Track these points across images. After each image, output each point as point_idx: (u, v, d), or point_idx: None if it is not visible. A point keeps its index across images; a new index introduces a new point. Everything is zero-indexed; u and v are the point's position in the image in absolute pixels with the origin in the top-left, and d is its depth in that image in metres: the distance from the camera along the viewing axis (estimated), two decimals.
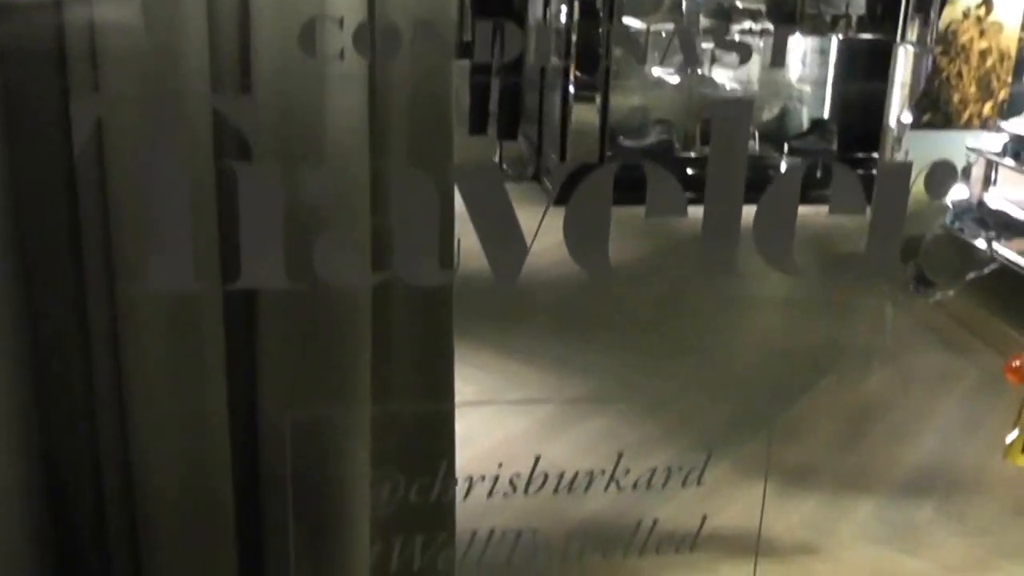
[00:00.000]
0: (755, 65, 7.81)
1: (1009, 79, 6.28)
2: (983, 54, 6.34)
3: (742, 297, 5.60)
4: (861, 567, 3.31)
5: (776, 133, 7.54)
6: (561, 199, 1.91)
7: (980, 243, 5.49)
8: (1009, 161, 5.44)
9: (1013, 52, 6.36)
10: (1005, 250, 5.37)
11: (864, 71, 7.34)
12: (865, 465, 3.92)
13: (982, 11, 6.31)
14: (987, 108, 6.37)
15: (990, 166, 5.92)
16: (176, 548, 2.53)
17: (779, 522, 3.51)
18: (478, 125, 7.33)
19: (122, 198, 2.11)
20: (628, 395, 4.32)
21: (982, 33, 6.36)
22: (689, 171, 6.98)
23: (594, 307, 5.31)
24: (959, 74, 6.32)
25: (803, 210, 2.01)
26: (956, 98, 6.30)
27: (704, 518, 2.95)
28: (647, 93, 7.53)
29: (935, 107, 6.29)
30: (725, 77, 7.77)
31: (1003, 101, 6.28)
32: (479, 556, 2.81)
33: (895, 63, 6.71)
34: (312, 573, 2.61)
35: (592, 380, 4.41)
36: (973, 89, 6.37)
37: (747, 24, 7.18)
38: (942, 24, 6.35)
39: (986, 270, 5.39)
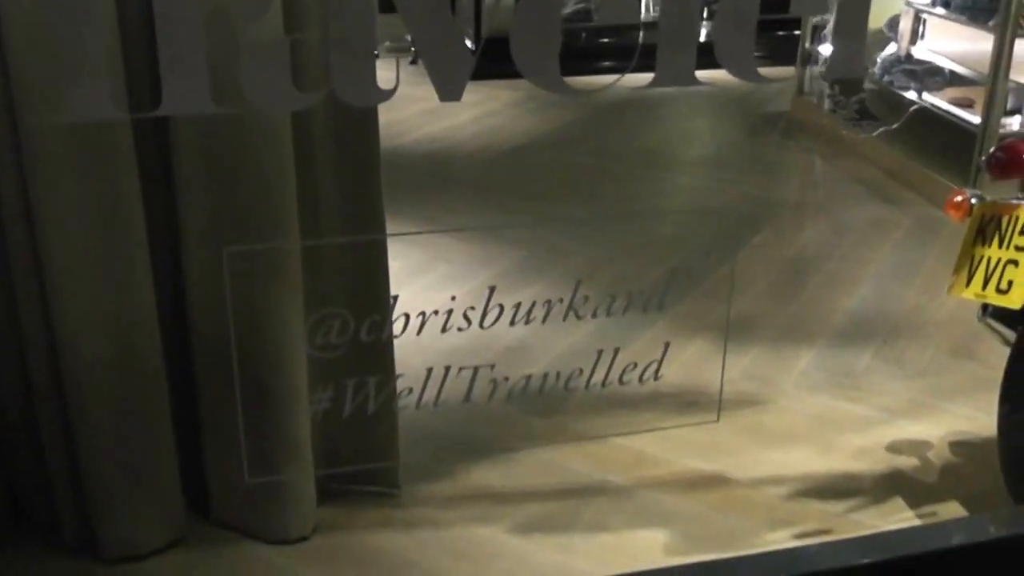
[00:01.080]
0: None
1: None
2: None
3: (674, 160, 5.53)
4: (804, 415, 3.29)
5: None
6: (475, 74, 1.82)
7: (909, 95, 5.44)
8: (939, 10, 5.35)
9: None
10: (933, 99, 5.32)
11: None
12: (804, 316, 3.90)
13: None
14: None
15: (918, 19, 5.84)
16: (106, 409, 2.42)
17: (720, 376, 3.47)
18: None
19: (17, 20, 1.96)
20: (560, 261, 4.23)
21: None
22: (605, 40, 6.87)
23: (522, 176, 5.21)
24: None
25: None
26: None
27: (667, 345, 2.94)
28: None
29: None
30: None
31: None
32: (434, 397, 2.77)
33: None
34: (254, 420, 2.52)
35: (521, 250, 4.31)
36: None
37: None
38: None
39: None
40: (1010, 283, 2.49)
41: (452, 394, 2.80)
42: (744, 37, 1.83)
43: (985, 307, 2.70)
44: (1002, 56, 4.61)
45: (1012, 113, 4.96)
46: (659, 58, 1.92)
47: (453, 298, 2.80)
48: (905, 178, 5.13)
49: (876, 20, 5.70)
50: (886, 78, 5.59)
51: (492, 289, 2.75)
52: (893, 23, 5.76)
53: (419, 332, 2.73)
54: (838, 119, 5.46)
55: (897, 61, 5.69)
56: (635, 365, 2.93)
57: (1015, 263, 2.48)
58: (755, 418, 3.26)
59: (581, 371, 2.97)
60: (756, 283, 4.13)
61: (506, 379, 3.00)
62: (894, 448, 3.14)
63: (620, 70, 2.00)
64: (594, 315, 2.85)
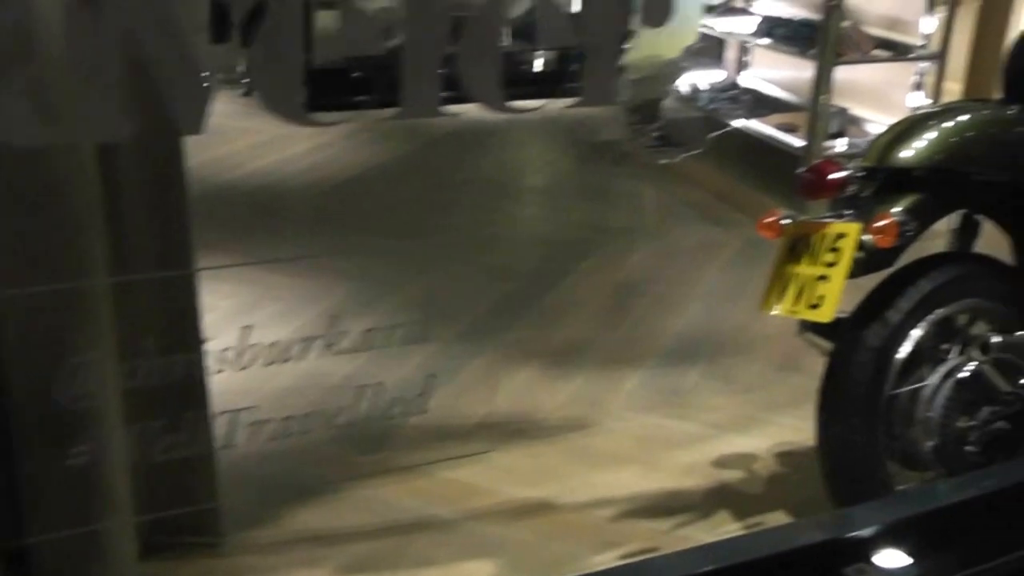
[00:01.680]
0: None
1: None
2: None
3: (508, 189, 5.52)
4: (632, 436, 3.27)
5: (528, 28, 7.41)
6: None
7: (736, 123, 5.53)
8: (764, 41, 5.45)
9: None
10: (761, 125, 5.42)
11: None
12: (633, 338, 3.89)
13: None
14: None
15: (744, 49, 5.97)
16: None
17: (549, 402, 3.44)
18: (219, 34, 6.95)
19: None
20: (391, 294, 4.15)
21: None
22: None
23: (356, 208, 5.14)
24: None
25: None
26: None
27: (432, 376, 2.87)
28: None
29: None
30: None
31: None
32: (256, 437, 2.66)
33: None
34: (64, 469, 2.38)
35: (352, 283, 4.22)
36: None
37: None
38: None
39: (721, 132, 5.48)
40: (821, 298, 2.50)
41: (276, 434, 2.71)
42: (488, 67, 1.83)
43: (804, 322, 2.72)
44: (821, 83, 4.71)
45: (836, 136, 5.08)
46: (405, 90, 1.92)
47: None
48: (735, 201, 5.20)
49: (671, 50, 5.79)
50: (712, 105, 5.69)
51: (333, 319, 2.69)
52: (688, 53, 5.83)
53: (241, 369, 2.63)
54: (639, 147, 5.51)
55: (724, 89, 5.81)
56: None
57: (825, 279, 2.50)
58: (582, 442, 3.23)
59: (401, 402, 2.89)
60: (586, 308, 4.12)
61: (333, 415, 2.93)
62: (721, 463, 3.14)
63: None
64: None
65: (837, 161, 2.62)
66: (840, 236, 2.50)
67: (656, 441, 3.23)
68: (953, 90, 5.18)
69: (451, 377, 3.56)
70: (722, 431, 3.30)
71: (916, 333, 2.61)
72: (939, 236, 2.89)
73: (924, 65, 4.98)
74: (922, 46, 4.97)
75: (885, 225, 2.43)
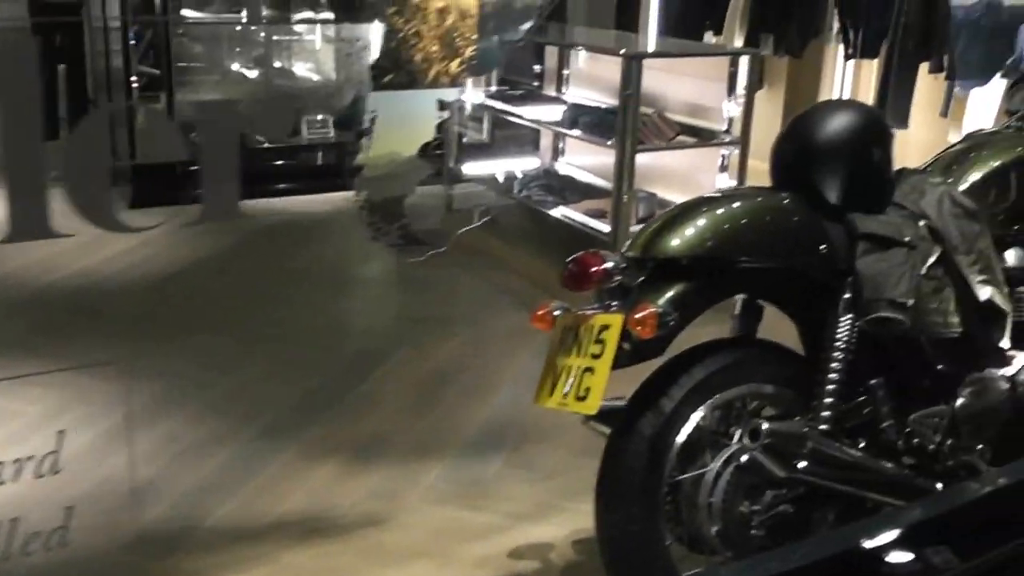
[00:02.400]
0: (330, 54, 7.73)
1: (475, 36, 6.39)
2: (441, 12, 6.41)
3: (326, 280, 5.48)
4: (427, 529, 3.24)
5: (350, 120, 7.48)
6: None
7: (552, 210, 5.61)
8: (569, 129, 5.57)
9: (474, 10, 6.47)
10: (571, 211, 5.51)
11: None
12: (437, 429, 3.88)
13: None
14: (454, 66, 6.47)
15: (558, 137, 6.09)
16: None
17: (347, 498, 3.40)
18: (49, 131, 6.83)
19: None
20: (200, 393, 4.07)
21: None
22: (269, 162, 6.85)
23: (171, 305, 5.04)
24: (417, 33, 6.35)
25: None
26: (419, 57, 6.36)
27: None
28: (221, 87, 7.25)
29: (397, 66, 6.30)
30: (304, 68, 7.65)
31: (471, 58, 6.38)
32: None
33: None
34: None
35: (160, 383, 4.13)
36: (436, 48, 6.44)
37: (307, 14, 7.08)
38: None
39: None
40: (587, 390, 2.53)
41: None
42: (98, 189, 1.84)
43: None
44: (623, 169, 4.84)
45: (645, 220, 5.19)
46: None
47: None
48: (549, 287, 5.24)
49: (409, 148, 5.89)
50: (524, 193, 5.78)
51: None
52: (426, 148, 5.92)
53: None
54: (384, 245, 5.50)
55: (536, 177, 5.90)
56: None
57: (591, 370, 2.54)
58: (377, 538, 3.18)
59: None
60: (393, 400, 4.09)
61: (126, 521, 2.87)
62: (516, 553, 3.14)
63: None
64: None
65: (601, 253, 2.65)
66: (604, 327, 2.53)
67: (452, 534, 3.21)
68: (761, 169, 5.35)
69: (251, 477, 3.50)
70: (520, 521, 3.29)
71: (696, 418, 2.65)
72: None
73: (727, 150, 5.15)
74: (725, 131, 5.15)
75: (644, 316, 2.47)
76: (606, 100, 5.62)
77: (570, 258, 2.70)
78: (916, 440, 2.91)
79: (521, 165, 6.13)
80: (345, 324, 4.88)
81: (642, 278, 2.64)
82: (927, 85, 5.98)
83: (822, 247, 2.73)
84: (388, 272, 5.76)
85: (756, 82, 5.00)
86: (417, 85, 6.06)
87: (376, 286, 5.59)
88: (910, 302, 2.69)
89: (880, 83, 5.65)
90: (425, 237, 5.48)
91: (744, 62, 5.04)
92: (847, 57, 5.90)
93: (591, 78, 5.88)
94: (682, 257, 2.63)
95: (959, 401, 2.94)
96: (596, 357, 2.54)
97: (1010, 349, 2.98)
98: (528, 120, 5.75)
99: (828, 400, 2.72)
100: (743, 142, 4.98)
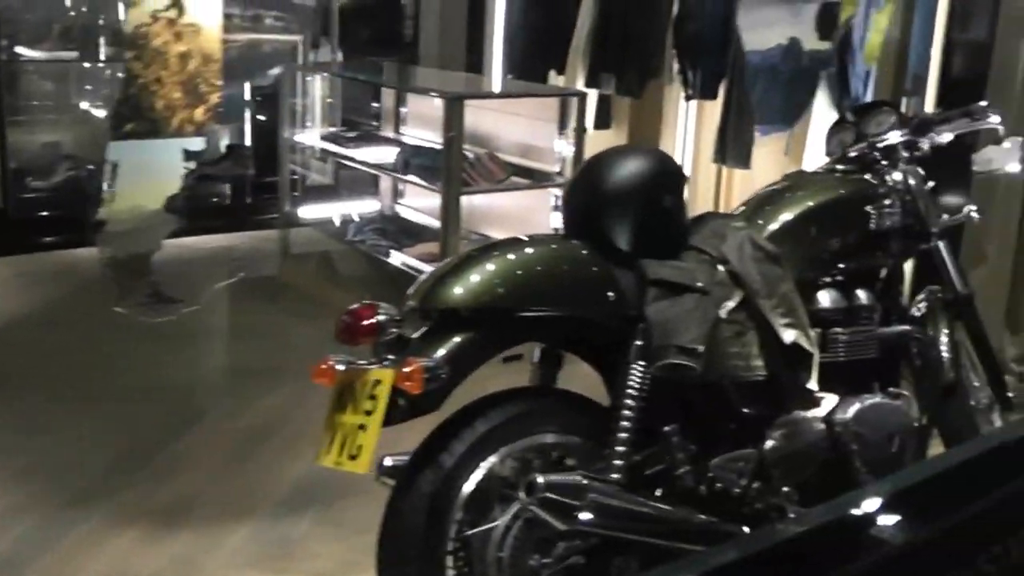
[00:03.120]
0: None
1: (219, 82, 6.33)
2: (183, 57, 6.34)
3: (149, 331, 5.31)
4: None
5: (194, 158, 7.32)
6: None
7: (388, 255, 5.53)
8: (400, 171, 5.49)
9: (218, 54, 6.40)
10: (404, 256, 5.43)
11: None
12: (250, 487, 3.76)
13: (173, 13, 6.28)
14: (199, 113, 6.42)
15: (396, 179, 6.01)
16: None
17: (147, 566, 3.26)
18: None
19: None
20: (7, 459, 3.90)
21: (178, 36, 6.33)
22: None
23: None
24: (158, 80, 6.26)
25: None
26: (161, 104, 6.27)
27: None
28: (58, 128, 7.02)
29: (138, 114, 6.20)
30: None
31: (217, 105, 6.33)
32: None
33: None
34: None
35: None
36: (179, 95, 6.36)
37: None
38: (129, 27, 6.20)
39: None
40: (359, 448, 2.46)
41: None
42: None
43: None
44: (448, 212, 4.77)
45: None
46: None
47: None
48: None
49: (154, 201, 5.83)
50: (358, 238, 5.68)
51: None
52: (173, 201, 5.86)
53: None
54: (128, 306, 5.37)
55: (371, 220, 5.82)
56: None
57: (364, 427, 2.46)
58: None
59: None
60: (207, 458, 3.96)
61: None
62: None
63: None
64: None
65: (375, 305, 2.58)
66: (377, 383, 2.46)
67: None
68: None
69: (50, 548, 3.34)
70: None
71: (481, 472, 2.59)
72: None
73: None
74: (558, 172, 5.12)
75: (411, 371, 2.40)
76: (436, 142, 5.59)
77: (348, 309, 2.62)
78: (719, 485, 2.88)
79: (360, 208, 6.05)
80: (170, 377, 4.71)
81: (424, 329, 2.58)
82: None
83: (610, 294, 2.69)
84: (224, 320, 5.62)
85: (583, 123, 4.96)
86: (160, 134, 5.96)
87: (209, 337, 5.43)
88: (700, 348, 2.66)
89: (720, 123, 5.67)
90: (177, 294, 5.36)
91: (574, 103, 5.02)
92: (687, 98, 5.92)
93: (427, 119, 5.83)
94: (463, 307, 2.57)
95: (768, 444, 2.91)
96: (368, 414, 2.47)
97: (818, 391, 2.97)
98: (358, 163, 5.65)
99: (620, 448, 2.67)
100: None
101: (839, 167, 3.38)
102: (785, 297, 2.88)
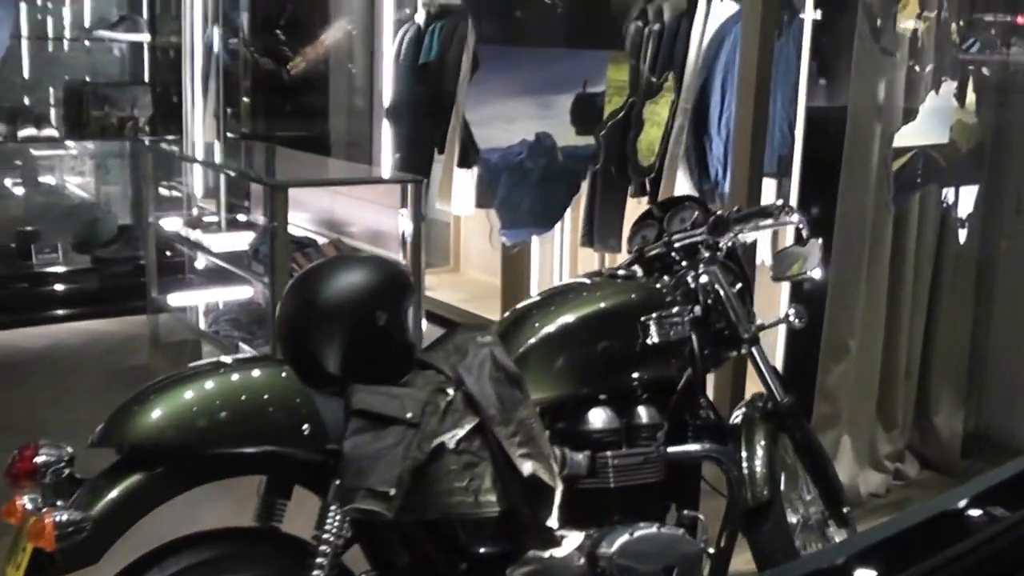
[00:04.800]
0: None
1: None
2: None
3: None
4: None
5: (88, 242, 7.14)
6: None
7: (234, 348, 5.27)
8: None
9: None
10: (252, 349, 5.18)
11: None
12: None
13: None
14: None
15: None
16: None
17: None
18: None
19: None
20: None
21: None
22: None
23: None
24: None
25: None
26: None
27: None
28: None
29: None
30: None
31: None
32: None
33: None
34: None
35: None
36: None
37: (31, 131, 6.72)
38: None
39: None
40: None
41: None
42: None
43: None
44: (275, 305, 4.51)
45: None
46: None
47: None
48: None
49: None
50: (213, 327, 5.44)
51: None
52: None
53: None
54: None
55: (228, 310, 5.59)
56: None
57: None
58: None
59: None
60: None
61: None
62: None
63: None
64: None
65: (40, 443, 2.32)
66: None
67: None
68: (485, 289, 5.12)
69: None
70: None
71: None
72: None
73: None
74: (401, 259, 4.87)
75: (41, 527, 2.14)
76: (311, 228, 5.39)
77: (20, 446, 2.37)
78: None
79: (230, 295, 5.81)
80: None
81: (109, 467, 2.35)
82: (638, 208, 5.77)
83: (306, 427, 2.43)
84: (85, 414, 5.35)
85: (420, 210, 4.68)
86: None
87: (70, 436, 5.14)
88: (392, 491, 2.40)
89: (587, 207, 5.46)
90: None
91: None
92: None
93: (295, 202, 5.61)
94: (144, 444, 2.33)
95: None
96: (18, 568, 2.21)
97: (559, 528, 2.71)
98: (210, 252, 5.39)
99: None
100: (414, 270, 4.68)
101: (624, 271, 3.14)
102: (523, 423, 2.61)
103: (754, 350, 3.15)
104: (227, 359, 2.60)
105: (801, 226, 3.18)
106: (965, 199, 4.64)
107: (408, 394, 2.54)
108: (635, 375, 2.90)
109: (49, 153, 7.26)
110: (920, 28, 4.07)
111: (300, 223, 5.53)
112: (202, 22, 6.70)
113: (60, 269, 6.92)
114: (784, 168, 4.76)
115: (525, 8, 3.19)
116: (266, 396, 2.48)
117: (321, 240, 5.14)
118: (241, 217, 5.97)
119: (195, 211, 6.37)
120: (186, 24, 6.65)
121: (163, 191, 7.03)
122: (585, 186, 5.35)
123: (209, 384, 2.46)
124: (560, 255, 6.07)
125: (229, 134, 6.97)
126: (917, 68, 4.15)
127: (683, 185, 5.12)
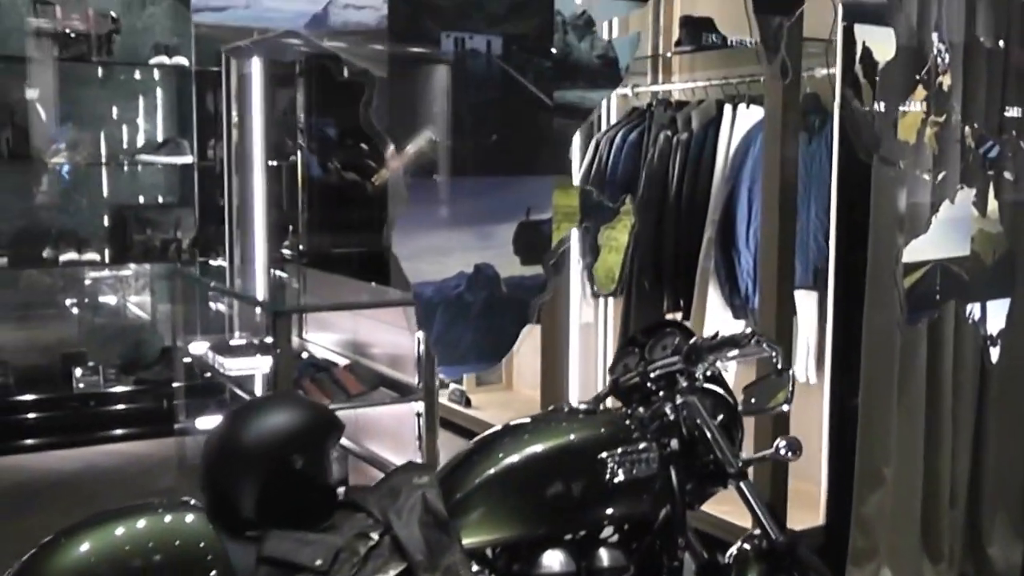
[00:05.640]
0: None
1: None
2: None
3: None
4: None
5: (133, 363, 7.13)
6: None
7: None
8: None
9: None
10: None
11: None
12: None
13: None
14: None
15: None
16: None
17: None
18: None
19: None
20: None
21: None
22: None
23: None
24: None
25: None
26: None
27: None
28: None
29: None
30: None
31: None
32: None
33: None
34: None
35: None
36: None
37: (72, 255, 6.78)
38: None
39: None
40: None
41: None
42: None
43: None
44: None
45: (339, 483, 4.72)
46: None
47: None
48: None
49: None
50: None
51: None
52: None
53: None
54: None
55: None
56: None
57: None
58: None
59: None
60: None
61: None
62: None
63: None
64: None
65: None
66: None
67: None
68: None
69: None
70: None
71: None
72: None
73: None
74: (417, 383, 4.71)
75: None
76: (335, 350, 5.28)
77: None
78: None
79: None
80: None
81: None
82: None
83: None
84: None
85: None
86: None
87: None
88: None
89: (622, 320, 5.32)
90: None
91: None
92: (594, 295, 5.60)
93: (325, 324, 5.52)
94: None
95: None
96: None
97: None
98: (226, 376, 5.30)
99: None
100: (427, 398, 4.51)
101: (589, 404, 2.94)
102: (450, 570, 2.43)
103: (743, 485, 2.89)
104: (141, 503, 2.48)
105: (774, 357, 2.94)
106: (996, 314, 4.35)
107: (322, 540, 2.40)
108: (596, 515, 2.69)
109: (96, 275, 7.29)
110: (927, 133, 3.83)
111: (327, 345, 5.43)
112: (251, 139, 6.62)
113: (100, 391, 6.90)
114: (822, 281, 4.52)
115: (457, 139, 3.06)
116: (176, 544, 2.37)
117: (343, 362, 5.01)
118: (269, 340, 5.88)
119: (230, 334, 6.32)
120: (227, 145, 6.64)
121: (222, 309, 6.99)
122: (613, 303, 5.20)
123: (119, 532, 2.35)
124: (603, 370, 5.85)
125: (286, 251, 6.92)
126: (926, 177, 3.90)
127: (714, 300, 4.93)
